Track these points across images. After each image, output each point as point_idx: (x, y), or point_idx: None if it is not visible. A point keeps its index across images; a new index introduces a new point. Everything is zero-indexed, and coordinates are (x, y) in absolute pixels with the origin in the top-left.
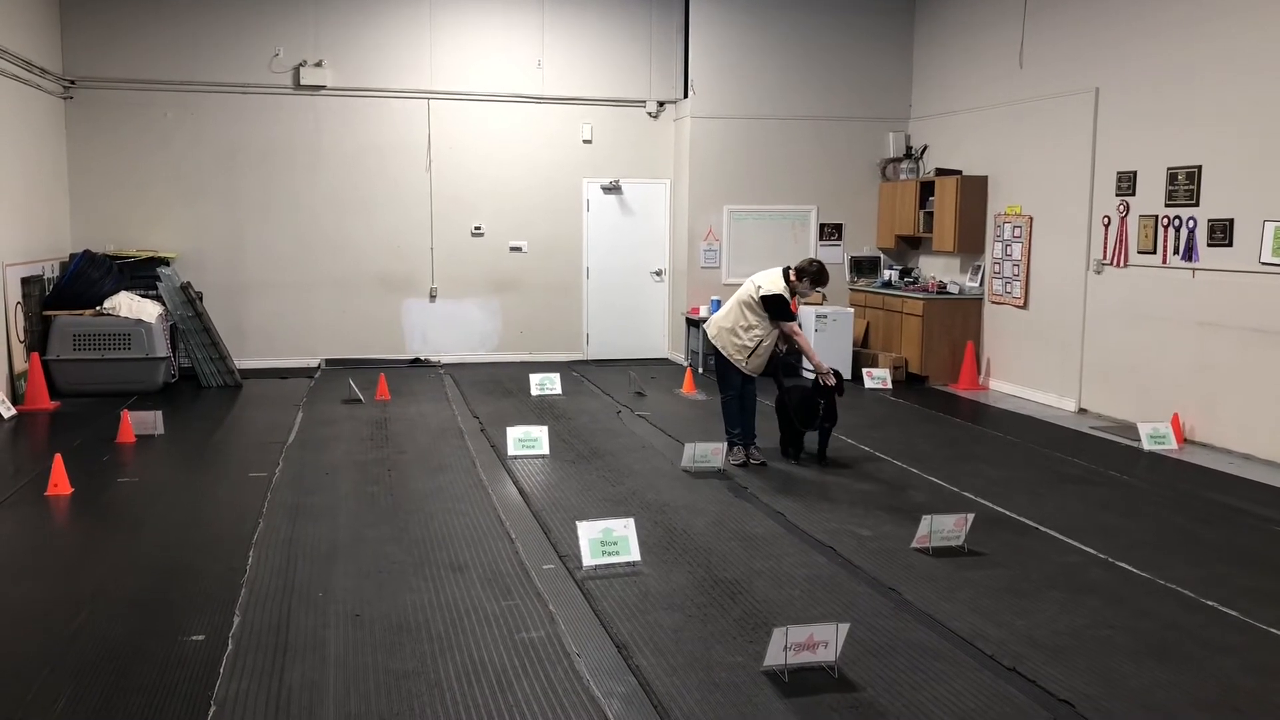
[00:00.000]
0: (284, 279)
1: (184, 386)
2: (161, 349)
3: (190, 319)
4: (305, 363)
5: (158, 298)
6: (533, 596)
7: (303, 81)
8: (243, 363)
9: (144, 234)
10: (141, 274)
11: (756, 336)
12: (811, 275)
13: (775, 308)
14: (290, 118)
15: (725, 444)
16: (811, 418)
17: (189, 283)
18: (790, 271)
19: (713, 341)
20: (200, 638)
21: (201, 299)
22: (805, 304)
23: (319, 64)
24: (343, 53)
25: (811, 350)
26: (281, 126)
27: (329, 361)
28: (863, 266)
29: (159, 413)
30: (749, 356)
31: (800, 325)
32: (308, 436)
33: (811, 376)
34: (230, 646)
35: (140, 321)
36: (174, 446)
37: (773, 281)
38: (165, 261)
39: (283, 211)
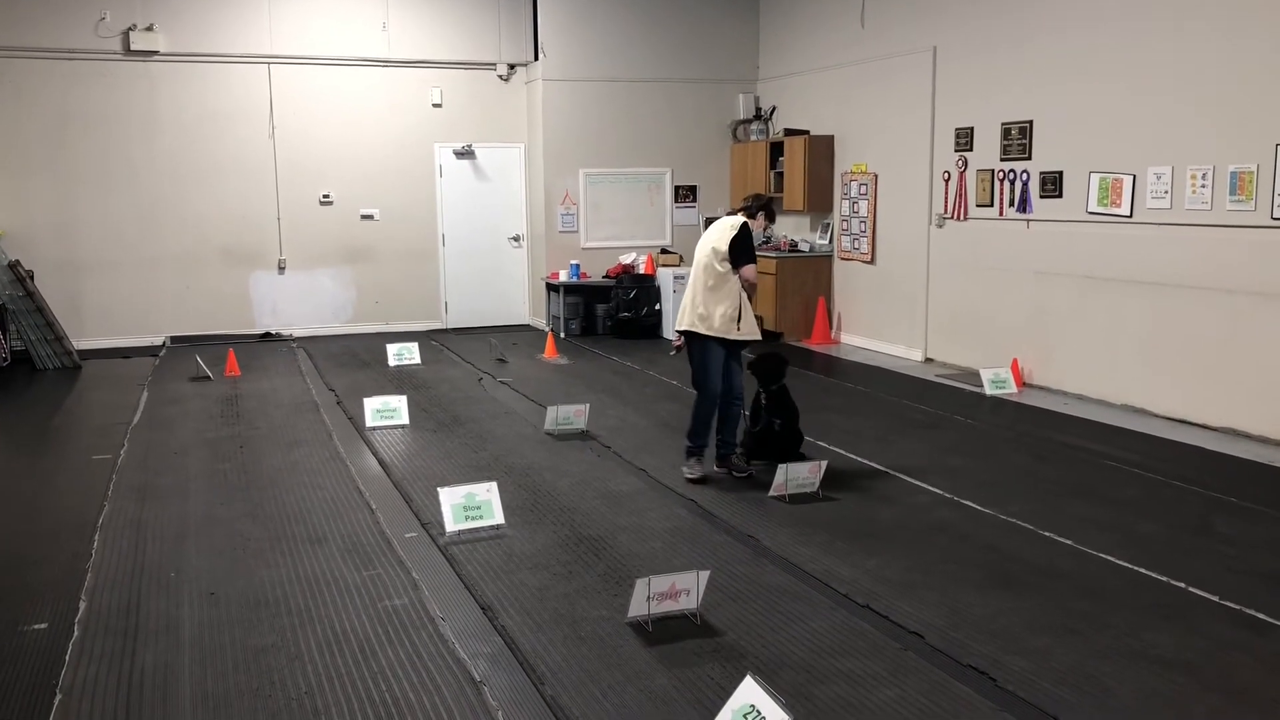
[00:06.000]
0: (123, 254)
1: (17, 370)
2: None
3: (21, 299)
4: (149, 341)
5: None
6: (395, 565)
7: (133, 47)
8: (81, 343)
9: None
10: None
11: (735, 289)
12: (764, 208)
13: (743, 245)
14: (122, 85)
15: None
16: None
17: (18, 260)
18: (740, 213)
19: (697, 331)
20: (43, 626)
21: (33, 277)
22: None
23: (150, 28)
24: (175, 16)
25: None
26: (113, 94)
27: (174, 339)
28: None
29: None
30: (739, 318)
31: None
32: (154, 416)
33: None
34: (77, 633)
35: None
36: (8, 433)
37: (737, 222)
38: None
39: (119, 184)
